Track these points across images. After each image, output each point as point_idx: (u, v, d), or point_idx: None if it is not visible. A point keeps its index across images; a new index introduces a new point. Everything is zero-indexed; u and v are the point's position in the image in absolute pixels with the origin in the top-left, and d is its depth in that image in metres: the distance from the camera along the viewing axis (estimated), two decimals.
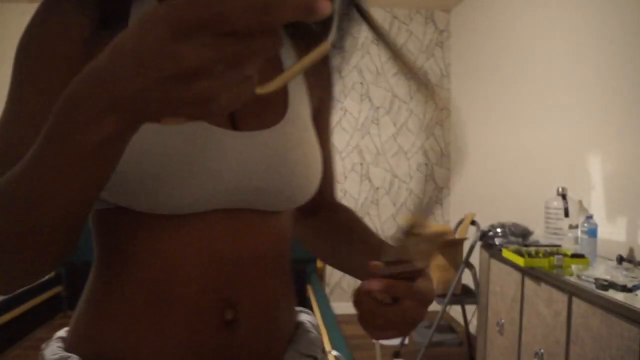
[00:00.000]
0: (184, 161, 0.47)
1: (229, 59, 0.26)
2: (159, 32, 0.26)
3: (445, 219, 3.92)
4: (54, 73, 0.48)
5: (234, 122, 0.52)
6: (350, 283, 3.86)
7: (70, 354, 0.52)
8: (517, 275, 1.92)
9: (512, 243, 2.10)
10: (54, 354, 0.53)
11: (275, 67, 0.57)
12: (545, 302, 1.71)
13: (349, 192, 3.83)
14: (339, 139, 3.81)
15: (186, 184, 0.47)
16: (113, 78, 0.29)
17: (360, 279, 0.54)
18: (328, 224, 0.69)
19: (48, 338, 0.58)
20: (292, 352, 0.58)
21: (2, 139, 0.47)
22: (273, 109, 0.55)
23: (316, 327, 0.65)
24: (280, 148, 0.53)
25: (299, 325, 0.63)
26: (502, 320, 2.05)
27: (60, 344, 0.55)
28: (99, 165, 0.33)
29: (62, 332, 0.58)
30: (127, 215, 0.49)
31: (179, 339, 0.50)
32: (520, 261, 1.82)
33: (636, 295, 1.38)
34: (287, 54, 0.60)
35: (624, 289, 1.40)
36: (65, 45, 0.48)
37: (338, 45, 0.60)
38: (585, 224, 1.78)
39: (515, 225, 2.21)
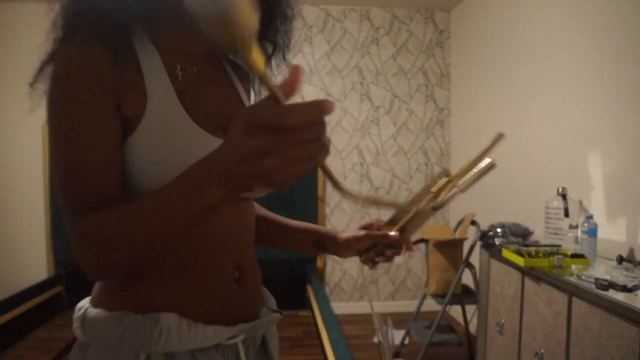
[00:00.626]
0: None
1: (287, 153, 0.42)
2: (239, 131, 0.44)
3: (445, 219, 3.92)
4: (98, 98, 0.61)
5: (225, 131, 0.71)
6: (350, 283, 3.86)
7: (123, 311, 0.65)
8: (517, 275, 1.92)
9: (512, 243, 2.10)
10: (107, 314, 0.65)
11: (233, 89, 0.80)
12: (545, 302, 1.71)
13: None
14: (339, 139, 3.81)
15: None
16: (218, 164, 0.48)
17: (293, 247, 0.92)
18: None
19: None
20: (265, 309, 0.78)
21: (71, 166, 0.60)
22: None
23: (268, 292, 0.85)
24: None
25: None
26: (502, 320, 2.05)
27: (100, 309, 0.67)
28: (204, 217, 0.53)
29: (86, 303, 0.70)
30: None
31: (204, 292, 0.68)
32: (520, 261, 1.82)
33: (636, 295, 1.38)
34: (233, 75, 0.81)
35: (624, 289, 1.40)
36: (98, 76, 0.61)
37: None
38: (585, 224, 1.78)
39: (515, 225, 2.21)
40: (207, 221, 0.55)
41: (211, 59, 0.78)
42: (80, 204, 0.59)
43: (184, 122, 0.65)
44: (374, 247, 0.81)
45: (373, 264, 0.82)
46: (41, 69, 0.65)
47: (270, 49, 0.80)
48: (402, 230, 0.77)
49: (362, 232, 0.82)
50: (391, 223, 0.80)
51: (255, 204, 0.89)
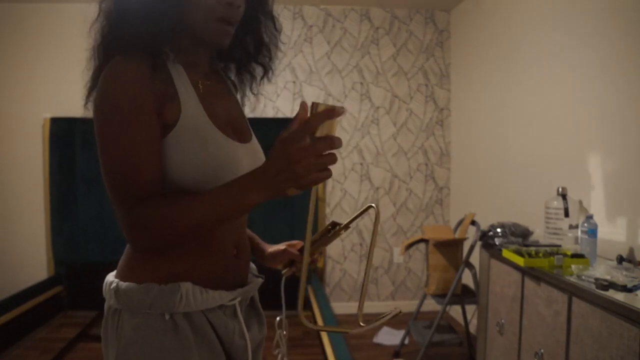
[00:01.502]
0: (233, 162, 0.85)
1: (311, 160, 0.63)
2: (277, 148, 0.65)
3: (445, 219, 3.92)
4: (144, 109, 0.75)
5: (239, 137, 0.90)
6: (350, 283, 3.86)
7: (149, 283, 0.82)
8: (517, 275, 1.92)
9: (512, 243, 2.10)
10: (137, 285, 0.82)
11: (237, 102, 1.00)
12: (545, 302, 1.71)
13: (349, 192, 3.83)
14: None
15: (233, 174, 0.80)
16: (262, 174, 0.68)
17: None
18: None
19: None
20: (251, 275, 1.00)
21: (132, 168, 0.75)
22: (247, 130, 0.96)
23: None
24: (259, 151, 0.95)
25: None
26: (502, 320, 2.05)
27: (129, 281, 0.83)
28: (243, 211, 0.73)
29: (113, 277, 0.86)
30: (185, 191, 0.81)
31: (214, 265, 0.87)
32: (520, 261, 1.82)
33: (636, 295, 1.38)
34: (232, 88, 1.02)
35: (624, 289, 1.40)
36: (143, 90, 0.75)
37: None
38: (585, 224, 1.78)
39: (515, 225, 2.21)
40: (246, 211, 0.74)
41: (215, 75, 0.97)
42: (133, 196, 0.75)
43: (209, 126, 0.82)
44: (292, 262, 1.07)
45: (287, 272, 1.08)
46: (92, 87, 0.83)
47: (260, 72, 0.99)
48: (312, 252, 1.00)
49: (283, 247, 1.06)
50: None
51: None
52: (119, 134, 0.74)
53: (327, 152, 0.62)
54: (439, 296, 2.67)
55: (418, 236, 2.90)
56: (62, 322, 3.58)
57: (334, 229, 0.96)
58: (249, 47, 0.95)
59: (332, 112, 0.62)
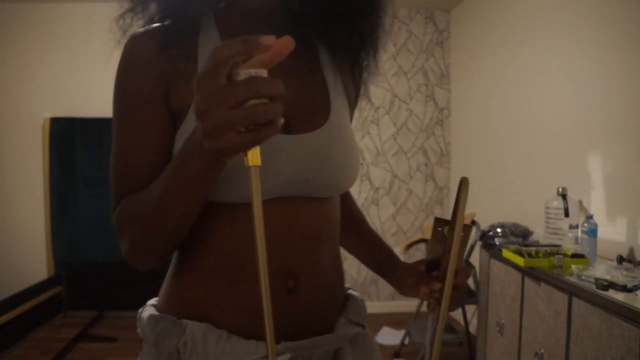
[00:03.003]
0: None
1: (219, 112, 0.40)
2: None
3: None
4: (144, 96, 0.63)
5: (288, 127, 0.64)
6: (350, 283, 3.86)
7: (163, 314, 0.66)
8: (517, 275, 1.92)
9: (512, 243, 2.10)
10: (150, 314, 0.66)
11: (317, 77, 0.71)
12: (545, 302, 1.71)
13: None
14: None
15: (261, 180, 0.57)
16: (193, 135, 0.49)
17: (360, 260, 0.88)
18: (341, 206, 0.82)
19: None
20: (343, 320, 0.70)
21: (122, 161, 0.63)
22: (318, 115, 0.67)
23: (362, 301, 0.76)
24: (324, 147, 0.64)
25: (349, 297, 0.76)
26: (502, 320, 2.05)
27: (153, 309, 0.69)
28: (197, 186, 0.52)
29: (153, 301, 0.72)
30: (206, 206, 0.61)
31: (248, 302, 0.62)
32: (520, 261, 1.82)
33: (636, 295, 1.38)
34: (326, 64, 0.73)
35: (624, 289, 1.40)
36: (147, 75, 0.63)
37: (369, 67, 0.75)
38: (585, 224, 1.78)
39: (515, 225, 2.21)
40: (205, 192, 0.54)
41: (298, 45, 0.69)
42: (120, 194, 0.63)
43: None
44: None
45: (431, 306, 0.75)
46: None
47: (368, 56, 0.74)
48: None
49: (424, 278, 0.73)
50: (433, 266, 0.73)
51: (347, 204, 0.86)
52: (116, 125, 0.64)
53: (250, 100, 0.40)
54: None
55: (418, 236, 2.90)
56: (62, 322, 3.58)
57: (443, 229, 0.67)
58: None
59: (251, 43, 0.40)
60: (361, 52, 0.73)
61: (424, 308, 3.10)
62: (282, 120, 0.41)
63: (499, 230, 2.20)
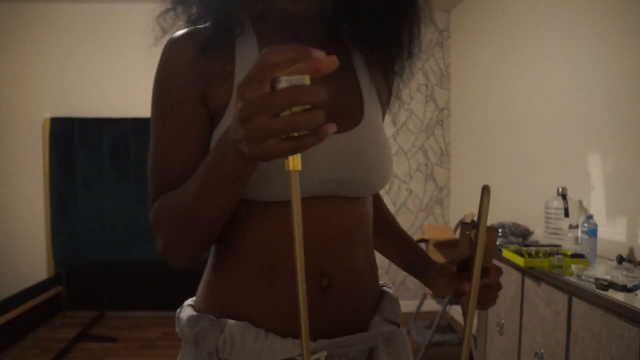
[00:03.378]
0: None
1: (262, 120, 0.41)
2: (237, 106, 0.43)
3: (445, 219, 3.92)
4: (180, 98, 0.64)
5: None
6: None
7: (202, 314, 0.67)
8: (517, 275, 1.92)
9: (512, 243, 2.10)
10: (189, 314, 0.68)
11: (351, 79, 0.73)
12: (545, 302, 1.71)
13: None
14: None
15: (282, 172, 0.58)
16: (228, 135, 0.48)
17: (391, 260, 0.88)
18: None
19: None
20: (378, 318, 0.71)
21: (160, 159, 0.65)
22: (351, 116, 0.69)
23: (396, 299, 0.78)
24: (357, 147, 0.66)
25: (384, 294, 0.77)
26: (502, 320, 2.05)
27: (191, 309, 0.70)
28: (231, 185, 0.53)
29: (190, 301, 0.73)
30: (243, 205, 0.64)
31: (282, 301, 0.64)
32: (520, 261, 1.82)
33: (636, 295, 1.38)
34: (360, 66, 0.74)
35: (624, 289, 1.40)
36: (184, 78, 0.64)
37: (403, 73, 0.78)
38: (585, 224, 1.78)
39: (515, 225, 2.21)
40: (239, 190, 0.55)
41: (329, 45, 0.72)
42: (157, 192, 0.65)
43: None
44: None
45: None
46: None
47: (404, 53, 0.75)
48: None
49: (455, 279, 0.73)
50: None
51: (377, 204, 0.88)
52: (154, 123, 0.66)
53: (290, 109, 0.40)
54: (439, 296, 2.67)
55: (418, 236, 2.90)
56: (62, 322, 3.58)
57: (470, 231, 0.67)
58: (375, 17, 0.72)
59: (302, 52, 0.40)
60: (395, 57, 0.75)
61: (423, 308, 3.10)
62: (325, 129, 0.41)
63: (499, 230, 2.20)
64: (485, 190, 0.60)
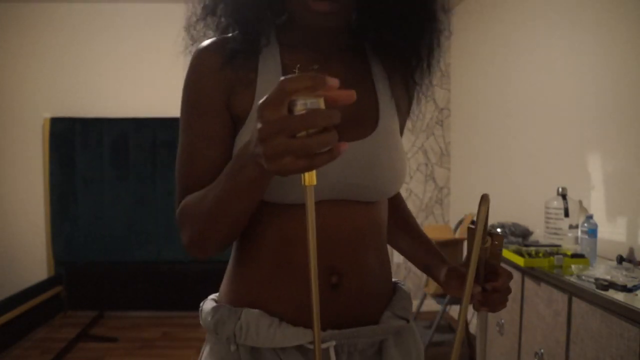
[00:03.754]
0: None
1: (279, 139, 0.45)
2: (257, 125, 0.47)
3: (445, 219, 3.92)
4: (206, 105, 0.70)
5: (342, 137, 0.69)
6: None
7: (222, 304, 0.74)
8: (517, 275, 1.92)
9: (512, 243, 2.10)
10: (211, 306, 0.74)
11: (368, 87, 0.76)
12: (545, 302, 1.71)
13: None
14: None
15: (297, 178, 0.64)
16: (248, 147, 0.52)
17: (410, 260, 0.90)
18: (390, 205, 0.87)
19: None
20: (388, 313, 0.75)
21: (186, 163, 0.71)
22: (366, 124, 0.73)
23: (409, 295, 0.82)
24: (370, 155, 0.70)
25: (397, 290, 0.81)
26: (502, 320, 2.05)
27: (213, 302, 0.76)
28: (251, 192, 0.58)
29: (213, 296, 0.79)
30: (263, 206, 0.68)
31: (295, 295, 0.69)
32: (520, 261, 1.82)
33: (636, 295, 1.38)
34: (379, 75, 0.78)
35: (624, 289, 1.40)
36: (209, 86, 0.70)
37: (424, 83, 0.81)
38: (585, 224, 1.78)
39: (515, 225, 2.21)
40: (258, 196, 0.60)
41: (349, 54, 0.78)
42: (184, 191, 0.70)
43: None
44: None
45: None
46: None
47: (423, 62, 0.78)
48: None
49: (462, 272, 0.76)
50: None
51: (397, 204, 0.92)
52: (182, 129, 0.72)
53: (307, 131, 0.44)
54: (439, 296, 2.67)
55: None
56: (62, 322, 3.58)
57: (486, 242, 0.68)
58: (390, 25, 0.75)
59: (317, 81, 0.44)
60: (415, 68, 0.78)
61: (423, 308, 3.10)
62: (338, 148, 0.46)
63: (499, 230, 2.20)
64: (484, 199, 0.63)
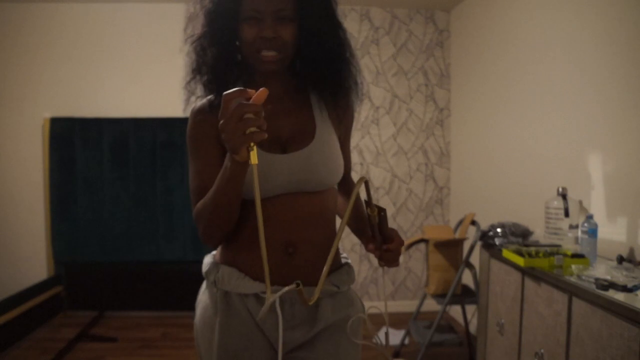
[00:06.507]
0: (265, 173, 0.95)
1: (229, 127, 0.76)
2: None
3: (445, 219, 3.92)
4: (205, 147, 1.02)
5: (284, 149, 1.01)
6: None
7: (213, 261, 1.08)
8: (517, 275, 1.92)
9: (512, 243, 2.10)
10: (209, 261, 1.09)
11: (308, 112, 1.07)
12: (545, 302, 1.71)
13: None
14: None
15: (266, 182, 0.96)
16: (227, 155, 0.86)
17: (352, 231, 1.16)
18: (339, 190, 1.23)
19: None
20: (328, 280, 1.03)
21: (196, 182, 1.02)
22: (306, 138, 1.02)
23: (351, 269, 1.10)
24: (309, 159, 1.00)
25: (343, 266, 1.10)
26: (502, 321, 2.05)
27: (211, 257, 1.10)
28: (233, 183, 0.87)
29: (213, 252, 1.12)
30: (243, 203, 0.96)
31: (257, 261, 0.88)
32: (520, 261, 1.82)
33: (636, 295, 1.38)
34: (316, 103, 1.07)
35: (624, 289, 1.40)
36: (205, 135, 1.02)
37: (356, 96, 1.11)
38: (585, 224, 1.78)
39: (515, 225, 2.21)
40: (239, 189, 0.88)
41: (295, 93, 1.08)
42: (196, 200, 1.00)
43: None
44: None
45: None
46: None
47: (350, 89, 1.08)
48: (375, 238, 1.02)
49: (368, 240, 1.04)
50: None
51: (345, 191, 1.23)
52: (190, 161, 1.03)
53: (246, 115, 0.74)
54: (439, 296, 2.66)
55: (418, 236, 2.90)
56: (61, 322, 3.58)
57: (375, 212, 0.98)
58: (313, 59, 1.03)
59: (242, 91, 0.76)
60: (341, 98, 1.08)
61: (423, 308, 3.10)
62: (264, 128, 0.76)
63: (499, 230, 2.20)
64: (360, 180, 0.92)
